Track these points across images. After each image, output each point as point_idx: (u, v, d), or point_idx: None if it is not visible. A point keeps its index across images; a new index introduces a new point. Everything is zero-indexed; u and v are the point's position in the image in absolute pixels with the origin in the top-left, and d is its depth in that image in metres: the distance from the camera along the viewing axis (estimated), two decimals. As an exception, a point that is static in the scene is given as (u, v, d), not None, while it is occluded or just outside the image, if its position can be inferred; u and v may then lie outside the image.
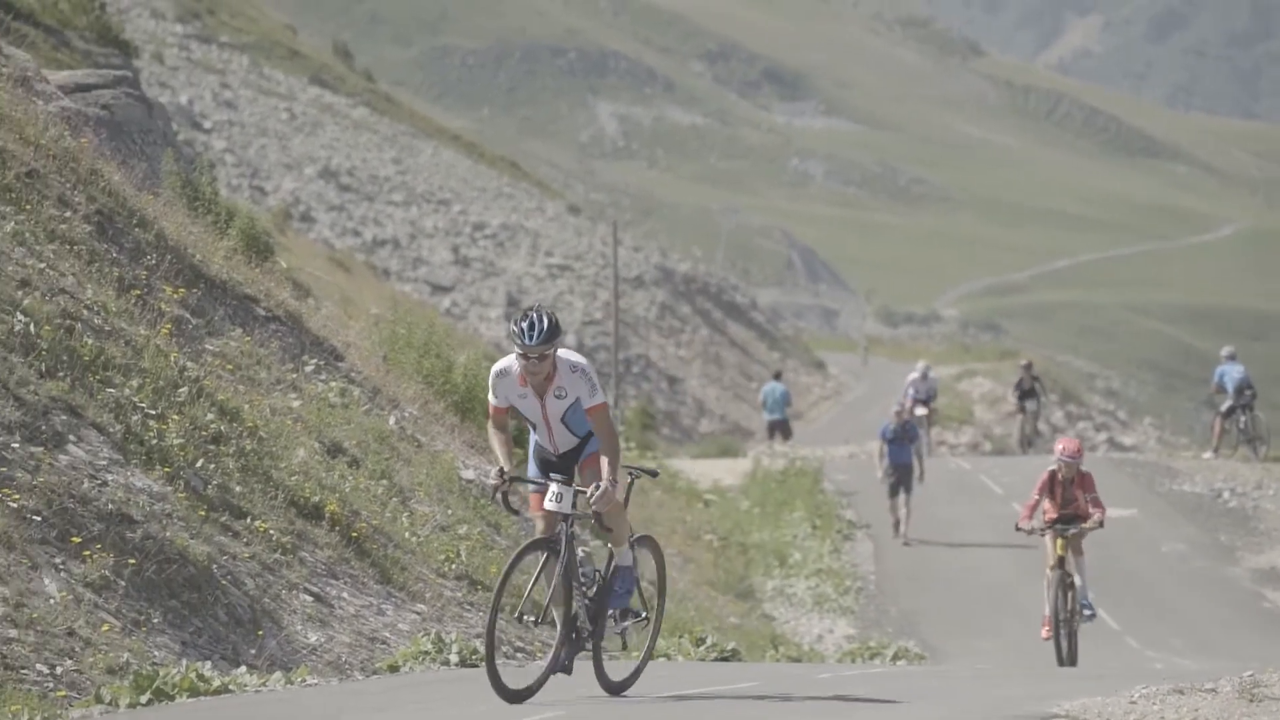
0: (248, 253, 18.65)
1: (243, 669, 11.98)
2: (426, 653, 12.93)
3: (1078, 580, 17.37)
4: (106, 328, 14.14)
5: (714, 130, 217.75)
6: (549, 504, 10.28)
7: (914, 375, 36.49)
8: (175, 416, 13.79)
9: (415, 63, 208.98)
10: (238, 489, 13.79)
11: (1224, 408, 32.02)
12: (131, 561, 12.18)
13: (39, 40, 25.32)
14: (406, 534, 15.36)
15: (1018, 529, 17.38)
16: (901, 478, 28.15)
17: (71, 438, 12.80)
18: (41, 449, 12.48)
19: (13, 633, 11.17)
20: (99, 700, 10.89)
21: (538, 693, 10.26)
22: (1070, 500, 17.28)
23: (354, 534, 14.49)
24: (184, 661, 11.62)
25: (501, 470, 10.25)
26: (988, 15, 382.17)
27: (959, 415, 65.24)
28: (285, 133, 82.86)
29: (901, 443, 28.39)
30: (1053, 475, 17.31)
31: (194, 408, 14.09)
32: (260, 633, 12.67)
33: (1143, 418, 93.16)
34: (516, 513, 10.59)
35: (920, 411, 35.13)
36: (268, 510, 13.90)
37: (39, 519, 12.01)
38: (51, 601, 11.55)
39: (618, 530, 10.40)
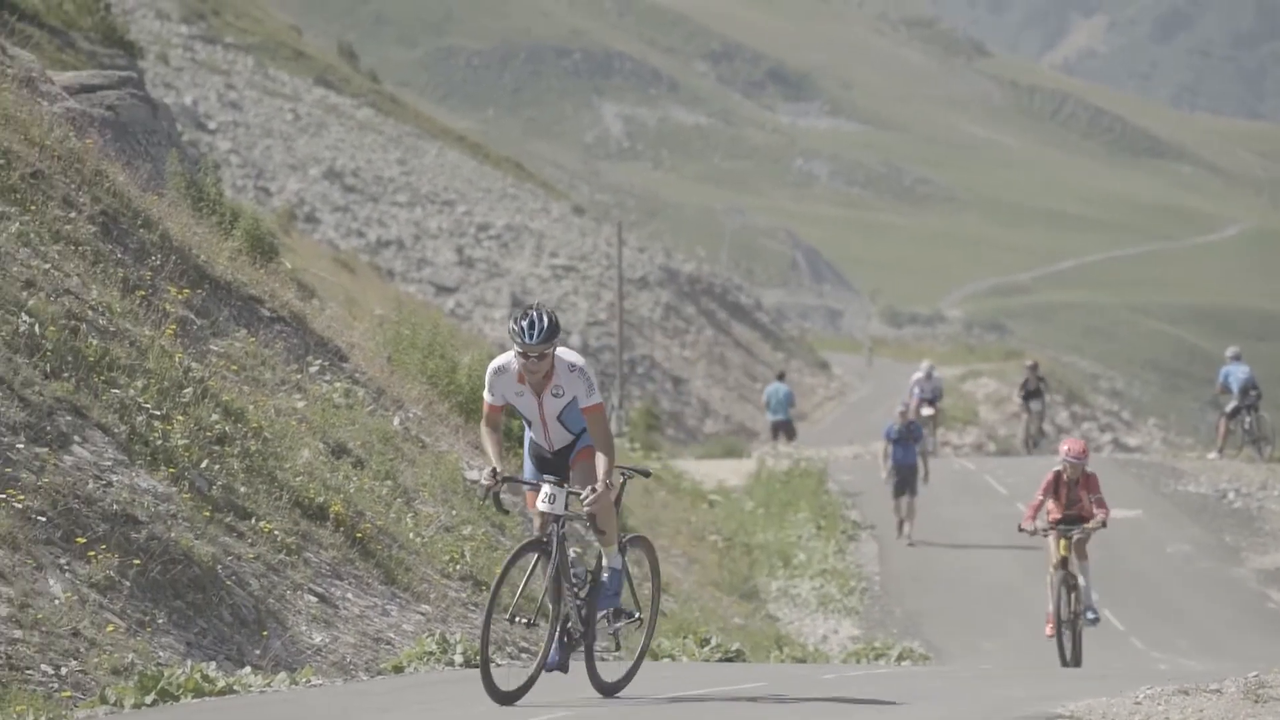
0: (252, 254, 18.66)
1: (247, 669, 11.99)
2: (431, 653, 12.93)
3: (1081, 581, 17.36)
4: (111, 328, 14.15)
5: (718, 131, 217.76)
6: (541, 505, 10.30)
7: (918, 375, 36.48)
8: (180, 417, 13.80)
9: (420, 63, 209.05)
10: (242, 490, 13.80)
11: (1229, 408, 31.99)
12: (136, 562, 12.18)
13: (44, 41, 25.34)
14: (411, 535, 15.37)
15: (1020, 530, 17.38)
16: (906, 478, 28.14)
17: (76, 438, 12.81)
18: (46, 450, 12.49)
19: (18, 633, 11.18)
20: (104, 701, 10.90)
21: (528, 693, 10.25)
22: (1075, 501, 17.27)
23: (358, 535, 14.50)
24: (189, 662, 11.63)
25: (494, 470, 10.25)
26: (993, 15, 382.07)
27: (963, 416, 65.22)
28: (290, 133, 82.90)
29: (906, 443, 28.38)
30: (1057, 476, 17.30)
31: (199, 408, 14.10)
32: (265, 633, 12.68)
33: (1147, 418, 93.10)
34: (507, 512, 10.59)
35: (926, 412, 35.13)
36: (272, 511, 13.91)
37: (44, 520, 12.02)
38: (56, 602, 11.56)
39: (609, 532, 10.40)
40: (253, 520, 13.61)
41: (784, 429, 38.02)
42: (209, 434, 13.97)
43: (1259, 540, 28.02)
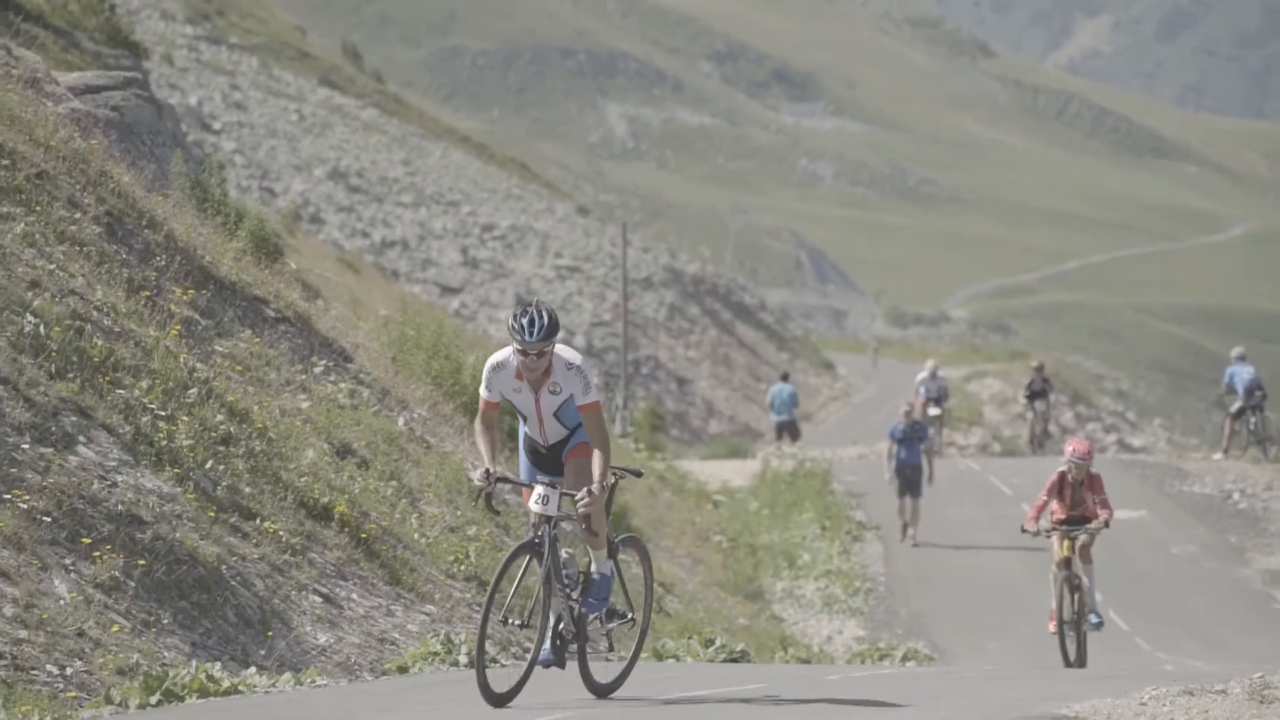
0: (257, 254, 18.67)
1: (252, 670, 11.99)
2: (436, 654, 12.94)
3: (1085, 582, 17.35)
4: (116, 329, 14.15)
5: (723, 131, 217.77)
6: (534, 506, 10.25)
7: (923, 375, 36.48)
8: (185, 418, 13.81)
9: (425, 64, 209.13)
10: (247, 490, 13.81)
11: (1234, 409, 31.97)
12: (141, 562, 12.19)
13: (49, 42, 25.34)
14: (415, 535, 15.37)
15: (1023, 531, 17.37)
16: (911, 478, 28.11)
17: (81, 439, 12.82)
18: (51, 450, 12.50)
19: (23, 634, 11.18)
20: (109, 701, 10.90)
21: (519, 694, 10.23)
22: (1079, 502, 17.26)
23: (363, 535, 14.51)
24: (194, 662, 11.64)
25: (487, 471, 10.20)
26: (997, 15, 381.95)
27: (968, 416, 65.21)
28: (294, 134, 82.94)
29: (911, 443, 28.36)
30: (1062, 476, 17.30)
31: (203, 409, 14.11)
32: (270, 634, 12.69)
33: (1152, 419, 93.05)
34: (498, 513, 10.55)
35: (933, 411, 35.14)
36: (277, 511, 13.91)
37: (49, 520, 12.03)
38: (61, 602, 11.56)
39: (601, 534, 10.36)
40: (257, 521, 13.62)
41: (788, 429, 38.01)
42: (214, 434, 13.97)
43: (1264, 541, 28.00)
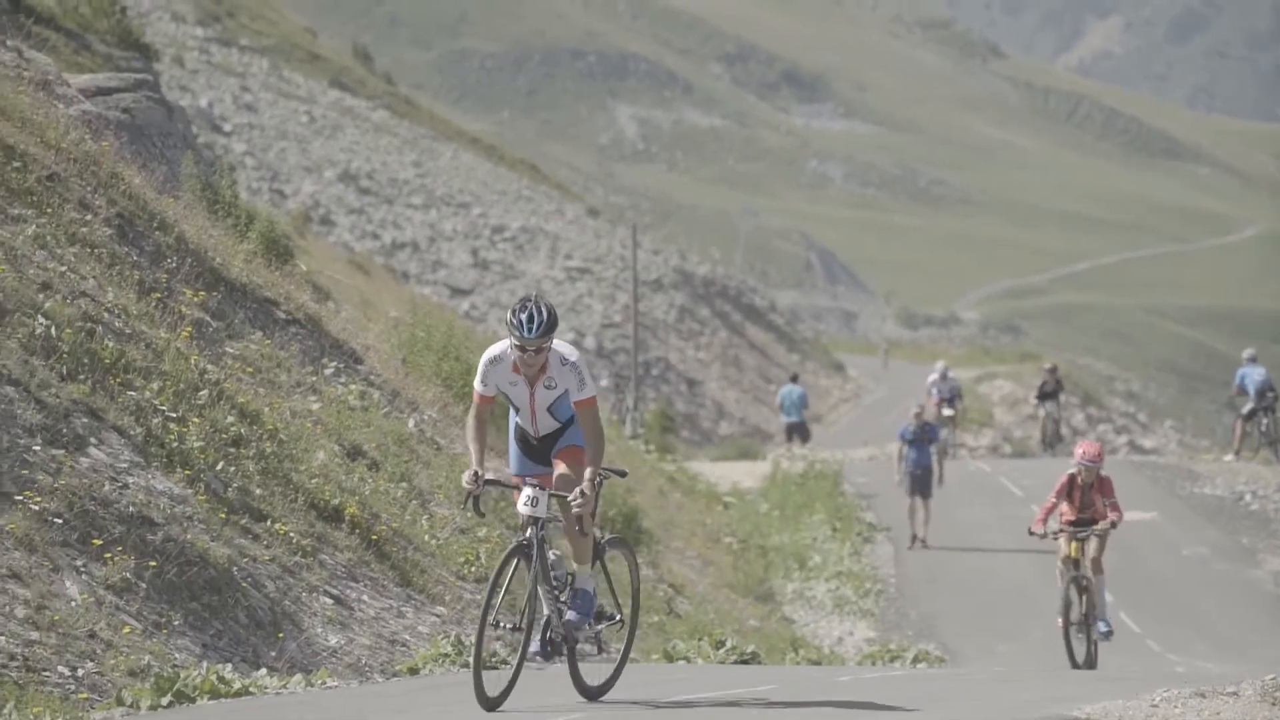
0: (268, 256, 18.69)
1: (263, 671, 12.00)
2: (446, 655, 12.94)
3: (1093, 581, 17.32)
4: (127, 331, 14.17)
5: (733, 133, 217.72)
6: (523, 508, 10.21)
7: (933, 376, 36.45)
8: (196, 419, 13.83)
9: (435, 65, 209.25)
10: (258, 492, 13.82)
11: (1245, 410, 31.92)
12: (152, 564, 12.21)
13: (60, 44, 25.39)
14: (426, 537, 15.37)
15: (1031, 533, 17.35)
16: (921, 480, 28.09)
17: (93, 440, 12.83)
18: (63, 452, 12.51)
19: (34, 635, 11.20)
20: (120, 702, 10.92)
21: (510, 695, 10.21)
22: (1089, 504, 17.24)
23: (374, 537, 14.51)
24: (205, 664, 11.65)
25: (475, 473, 10.15)
26: (1008, 17, 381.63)
27: (979, 418, 65.15)
28: (305, 136, 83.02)
29: (921, 445, 28.33)
30: (1072, 479, 17.28)
31: (214, 410, 14.13)
32: (280, 635, 12.69)
33: (1163, 420, 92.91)
34: (483, 515, 10.52)
35: (947, 412, 35.13)
36: (288, 513, 13.92)
37: (60, 521, 12.04)
38: (73, 604, 11.58)
39: (589, 535, 10.29)
40: (268, 522, 13.63)
41: (798, 431, 37.99)
42: (224, 436, 13.99)
43: (1276, 542, 27.95)
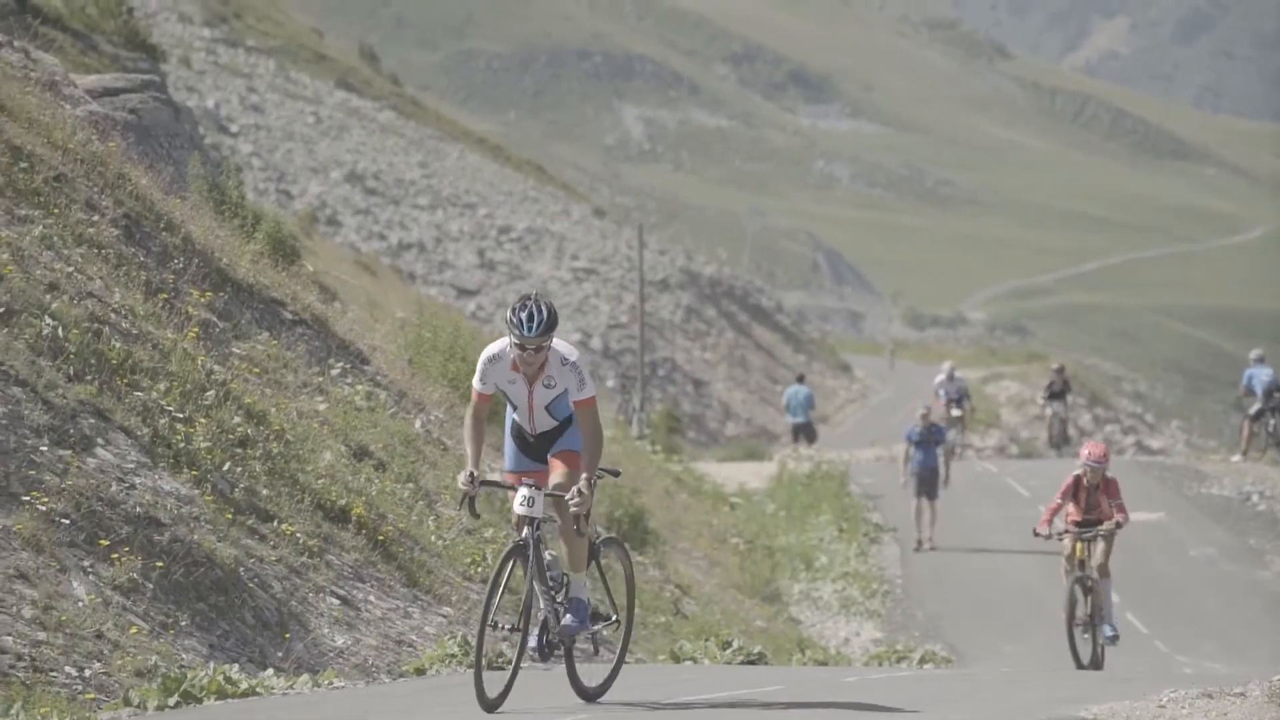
0: (274, 256, 18.70)
1: (270, 672, 12.01)
2: (453, 655, 12.95)
3: (1099, 581, 17.30)
4: (134, 331, 14.19)
5: (739, 133, 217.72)
6: (518, 508, 10.17)
7: (940, 377, 36.43)
8: (202, 420, 13.84)
9: (441, 66, 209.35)
10: (265, 492, 13.83)
11: (1252, 411, 31.90)
12: (159, 564, 12.22)
13: (67, 45, 25.41)
14: (432, 537, 15.38)
15: (1035, 534, 17.33)
16: (928, 481, 28.07)
17: (99, 441, 12.85)
18: (70, 452, 12.53)
19: (41, 635, 11.21)
20: (127, 703, 10.93)
21: (509, 695, 10.22)
22: (1094, 506, 17.22)
23: (380, 537, 14.52)
24: (211, 664, 11.66)
25: (471, 475, 10.11)
26: (1014, 17, 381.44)
27: (986, 418, 65.13)
28: (311, 136, 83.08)
29: (928, 445, 28.32)
30: (1077, 480, 17.25)
31: (221, 411, 14.14)
32: (287, 635, 12.70)
33: (1170, 421, 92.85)
34: (478, 516, 10.50)
35: (955, 413, 35.11)
36: (294, 513, 13.94)
37: (67, 522, 12.06)
38: (80, 604, 11.59)
39: (585, 535, 10.26)
40: (275, 523, 13.64)
41: (804, 431, 37.99)
42: (231, 437, 14.00)
43: (1283, 543, 27.92)
